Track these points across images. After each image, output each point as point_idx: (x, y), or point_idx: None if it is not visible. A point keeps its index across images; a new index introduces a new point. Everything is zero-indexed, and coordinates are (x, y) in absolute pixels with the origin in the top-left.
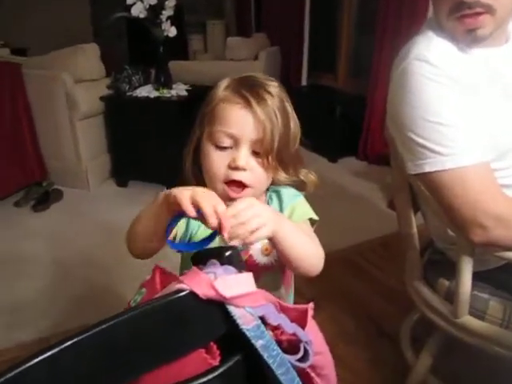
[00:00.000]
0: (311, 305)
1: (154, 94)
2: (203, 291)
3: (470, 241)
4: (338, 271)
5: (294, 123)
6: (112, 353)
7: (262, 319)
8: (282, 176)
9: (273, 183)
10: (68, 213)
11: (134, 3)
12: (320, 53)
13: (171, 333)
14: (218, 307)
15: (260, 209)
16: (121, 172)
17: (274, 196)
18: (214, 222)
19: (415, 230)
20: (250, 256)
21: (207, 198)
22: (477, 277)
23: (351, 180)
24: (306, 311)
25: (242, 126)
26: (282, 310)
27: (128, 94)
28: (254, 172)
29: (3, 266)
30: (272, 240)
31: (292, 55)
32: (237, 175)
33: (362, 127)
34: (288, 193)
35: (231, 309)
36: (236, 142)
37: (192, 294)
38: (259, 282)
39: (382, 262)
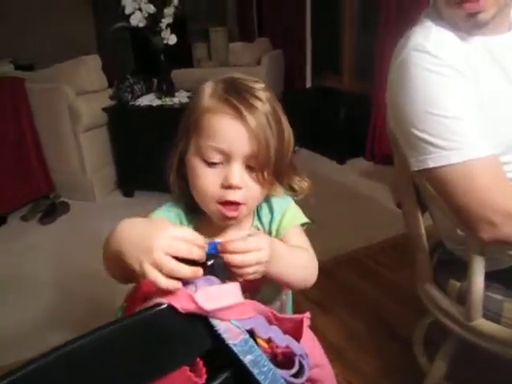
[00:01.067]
0: (307, 314)
1: (156, 102)
2: (182, 305)
3: (479, 239)
4: (348, 273)
5: (287, 129)
6: (88, 372)
7: (252, 332)
8: (278, 191)
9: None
10: (75, 225)
11: (133, 13)
12: (324, 54)
13: (151, 350)
14: (201, 321)
15: (263, 242)
16: (126, 182)
17: (263, 203)
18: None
19: (423, 230)
20: None
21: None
22: (489, 277)
23: (360, 181)
24: (301, 321)
25: (234, 140)
26: (277, 320)
27: (130, 103)
28: (249, 189)
29: (9, 281)
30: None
31: (295, 58)
32: (232, 195)
33: (369, 127)
34: (278, 198)
35: (215, 322)
36: (227, 158)
37: (171, 307)
38: (260, 293)
39: (392, 264)
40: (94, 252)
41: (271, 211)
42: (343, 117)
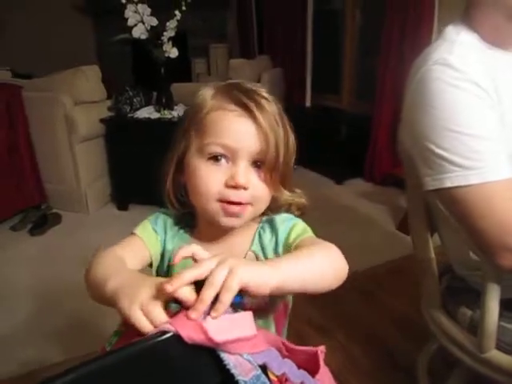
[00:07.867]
0: (322, 348)
1: (155, 115)
2: (189, 334)
3: (498, 266)
4: (348, 298)
5: (292, 136)
6: None
7: (264, 366)
8: (286, 194)
9: (273, 202)
10: (66, 237)
11: (136, 25)
12: (324, 74)
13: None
14: (210, 353)
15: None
16: (121, 195)
17: (266, 226)
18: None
19: (433, 254)
20: None
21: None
22: (504, 305)
23: (358, 202)
24: (315, 354)
25: (241, 137)
26: (288, 351)
27: (129, 115)
28: (255, 189)
29: None
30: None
31: (295, 77)
32: (236, 195)
33: (368, 148)
34: (281, 218)
35: (224, 356)
36: (233, 156)
37: (177, 337)
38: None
39: (393, 288)
40: (83, 266)
41: (275, 233)
42: (342, 136)
